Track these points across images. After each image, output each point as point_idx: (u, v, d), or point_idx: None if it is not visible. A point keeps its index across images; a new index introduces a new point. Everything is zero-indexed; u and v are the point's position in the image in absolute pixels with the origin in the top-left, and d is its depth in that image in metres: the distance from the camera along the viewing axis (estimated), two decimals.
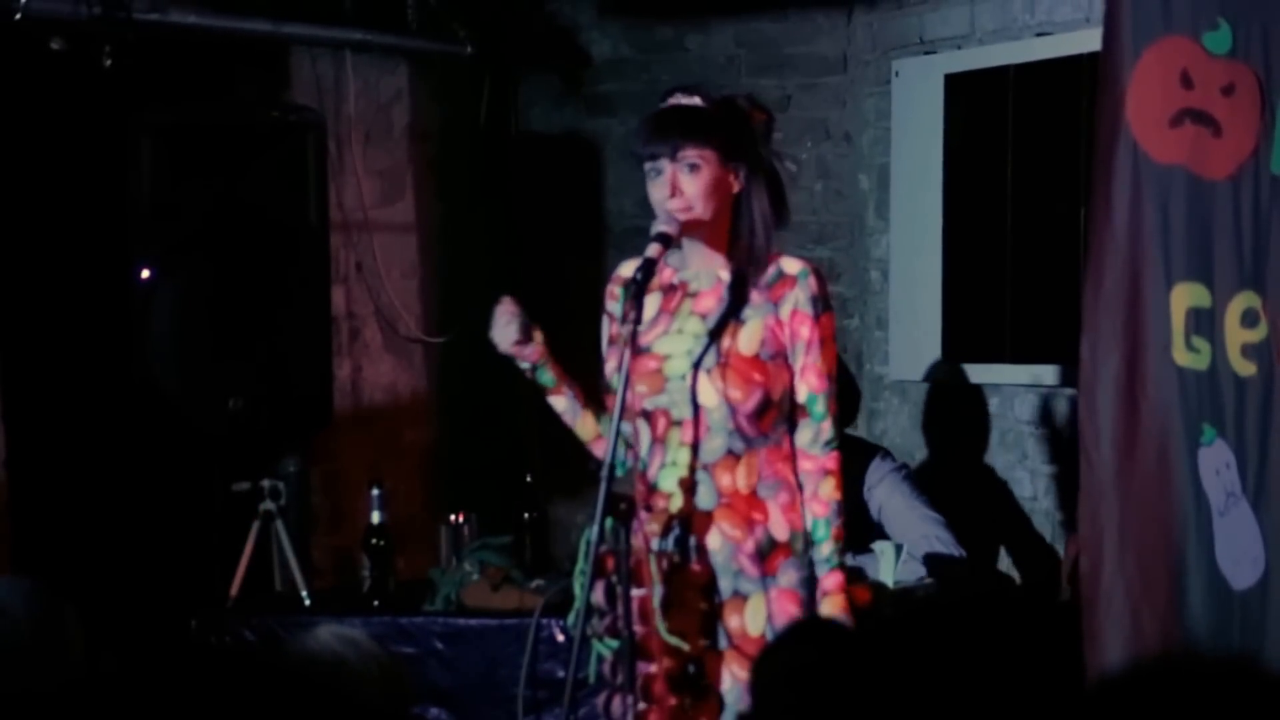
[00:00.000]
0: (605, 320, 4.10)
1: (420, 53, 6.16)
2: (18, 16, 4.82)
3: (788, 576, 3.85)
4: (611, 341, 4.07)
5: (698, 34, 6.41)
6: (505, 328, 4.06)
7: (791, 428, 3.92)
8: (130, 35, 5.03)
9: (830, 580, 3.87)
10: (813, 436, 3.88)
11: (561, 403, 4.11)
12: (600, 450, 4.07)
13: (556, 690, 4.48)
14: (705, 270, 3.94)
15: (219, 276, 5.09)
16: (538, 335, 4.05)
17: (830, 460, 3.89)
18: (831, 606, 3.85)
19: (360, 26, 5.85)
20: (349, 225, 5.96)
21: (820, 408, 3.88)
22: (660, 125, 3.88)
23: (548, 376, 4.08)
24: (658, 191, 3.86)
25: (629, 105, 6.31)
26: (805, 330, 3.87)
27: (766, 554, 3.85)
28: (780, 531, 3.86)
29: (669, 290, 3.96)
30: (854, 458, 5.23)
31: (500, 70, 6.36)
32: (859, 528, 5.02)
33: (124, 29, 5.01)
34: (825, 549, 3.87)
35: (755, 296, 3.90)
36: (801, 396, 3.89)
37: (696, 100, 3.91)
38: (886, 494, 5.29)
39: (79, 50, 4.99)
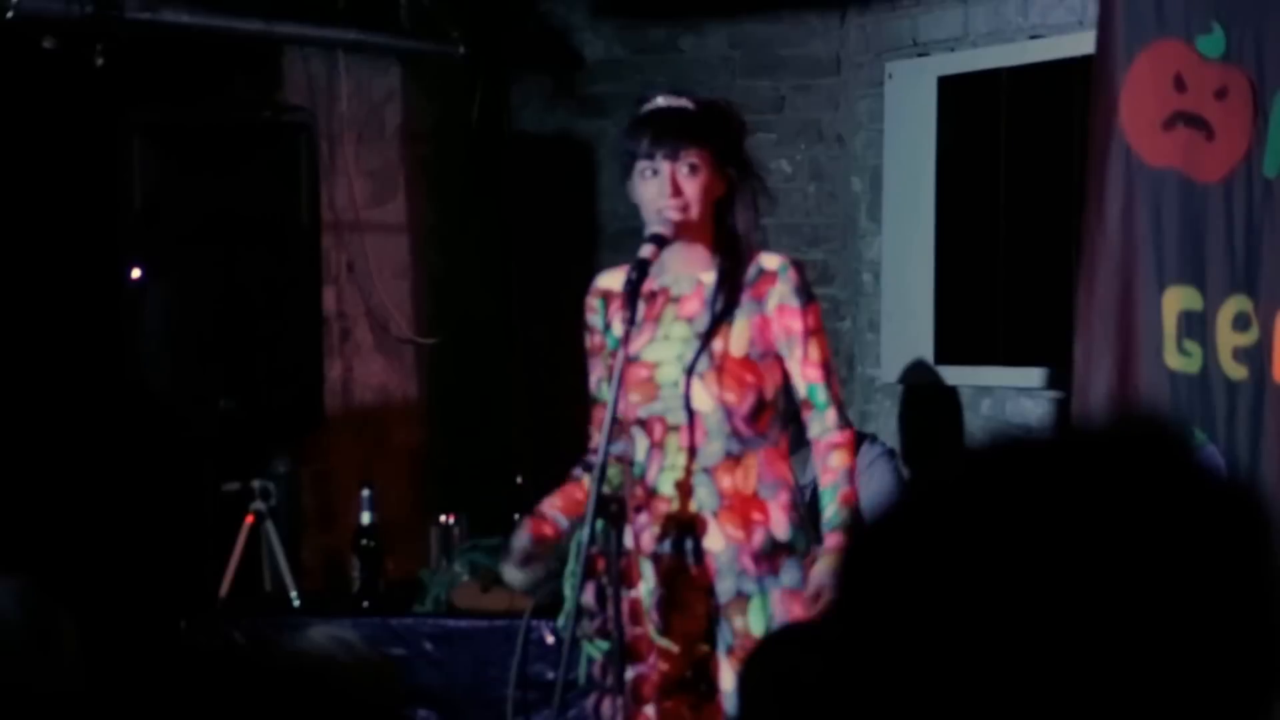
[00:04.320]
0: (586, 334, 4.09)
1: (413, 53, 6.15)
2: (9, 15, 4.80)
3: (790, 576, 3.85)
4: (593, 353, 4.07)
5: (691, 35, 6.40)
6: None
7: (784, 425, 3.93)
8: (122, 34, 5.02)
9: (830, 539, 3.83)
10: (821, 426, 3.89)
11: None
12: None
13: (546, 692, 4.48)
14: (685, 274, 3.93)
15: (210, 276, 5.09)
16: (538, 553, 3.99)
17: (840, 436, 3.88)
18: (825, 564, 3.80)
19: (353, 26, 5.84)
20: (340, 225, 5.95)
21: (822, 397, 3.88)
22: (661, 126, 3.87)
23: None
24: (650, 190, 3.85)
25: (622, 106, 6.28)
26: (795, 324, 3.87)
27: (769, 554, 3.85)
28: (781, 531, 3.86)
29: (649, 298, 3.95)
30: None
31: (493, 71, 6.35)
32: None
33: (116, 28, 5.00)
34: (828, 511, 3.84)
35: (740, 296, 3.89)
36: (802, 391, 3.89)
37: (686, 103, 3.91)
38: (870, 485, 5.28)
39: (71, 49, 4.98)
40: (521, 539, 3.97)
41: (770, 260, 3.92)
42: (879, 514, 1.25)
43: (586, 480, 4.05)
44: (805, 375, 3.89)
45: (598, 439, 4.10)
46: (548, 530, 3.99)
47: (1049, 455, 1.21)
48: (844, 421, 3.91)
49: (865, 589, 1.21)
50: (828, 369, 3.92)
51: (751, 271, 3.91)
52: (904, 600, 1.17)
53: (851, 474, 3.88)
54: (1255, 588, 1.16)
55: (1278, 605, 1.15)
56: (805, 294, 3.91)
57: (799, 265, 3.97)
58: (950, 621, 1.14)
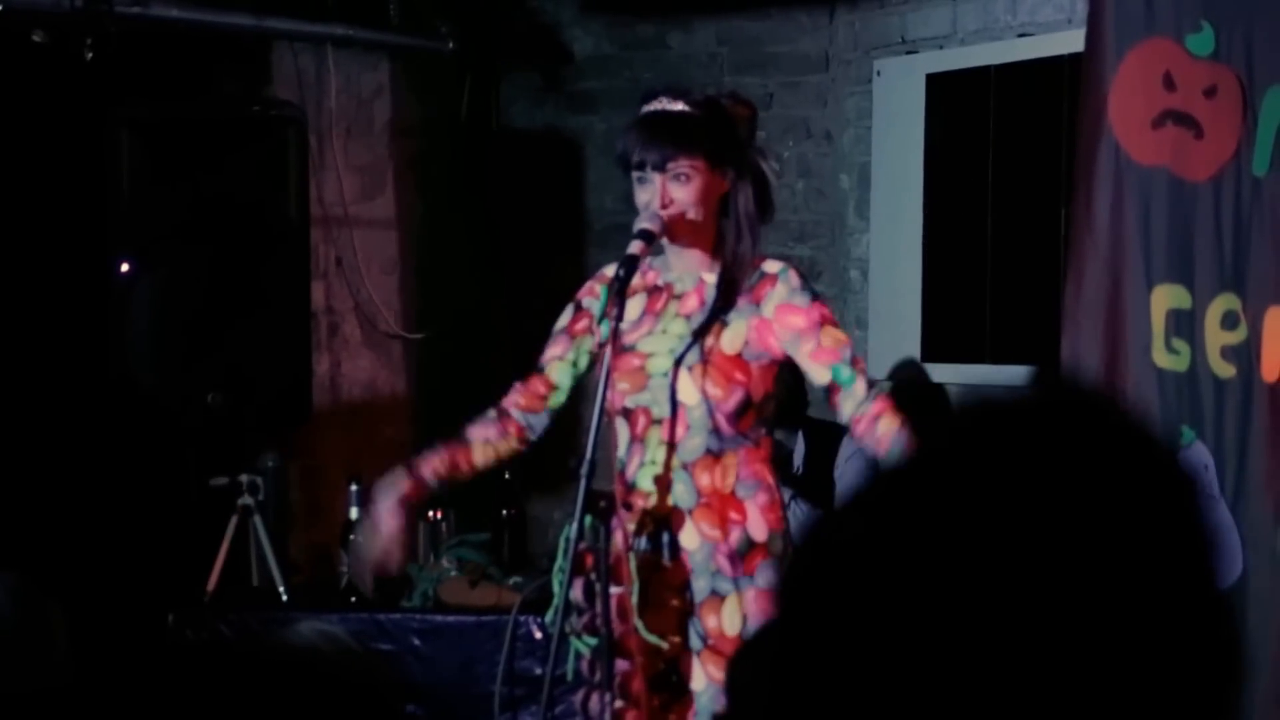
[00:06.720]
0: (570, 310, 4.08)
1: (402, 48, 6.15)
2: None
3: (765, 577, 3.84)
4: (564, 330, 4.07)
5: (680, 32, 6.41)
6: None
7: (768, 430, 3.93)
8: (112, 28, 5.01)
9: None
10: (854, 402, 3.80)
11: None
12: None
13: (534, 687, 4.49)
14: (689, 272, 3.93)
15: (198, 271, 5.08)
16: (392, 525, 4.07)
17: (877, 405, 3.79)
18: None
19: (342, 21, 5.84)
20: (329, 220, 5.95)
21: (847, 373, 3.80)
22: (650, 135, 3.83)
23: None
24: (645, 195, 3.84)
25: (610, 103, 6.31)
26: (798, 320, 3.83)
27: (744, 554, 3.84)
28: (758, 532, 3.85)
29: (654, 292, 3.95)
30: (826, 440, 5.24)
31: (482, 66, 6.36)
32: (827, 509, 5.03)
33: (105, 22, 4.99)
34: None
35: (738, 299, 3.88)
36: (826, 376, 3.82)
37: (682, 105, 3.86)
38: (846, 478, 5.29)
39: (60, 43, 4.98)
40: (386, 521, 4.03)
41: (771, 265, 3.90)
42: (849, 509, 1.25)
43: (476, 447, 4.09)
44: (824, 359, 3.82)
45: (513, 397, 4.12)
46: (414, 493, 4.07)
47: (1028, 441, 1.21)
48: (875, 386, 3.83)
49: (839, 582, 1.21)
50: (848, 348, 3.85)
51: (753, 275, 3.89)
52: (877, 594, 1.16)
53: (903, 431, 3.76)
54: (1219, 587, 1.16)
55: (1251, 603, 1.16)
56: (809, 292, 3.89)
57: (798, 269, 3.95)
58: (923, 611, 1.14)
